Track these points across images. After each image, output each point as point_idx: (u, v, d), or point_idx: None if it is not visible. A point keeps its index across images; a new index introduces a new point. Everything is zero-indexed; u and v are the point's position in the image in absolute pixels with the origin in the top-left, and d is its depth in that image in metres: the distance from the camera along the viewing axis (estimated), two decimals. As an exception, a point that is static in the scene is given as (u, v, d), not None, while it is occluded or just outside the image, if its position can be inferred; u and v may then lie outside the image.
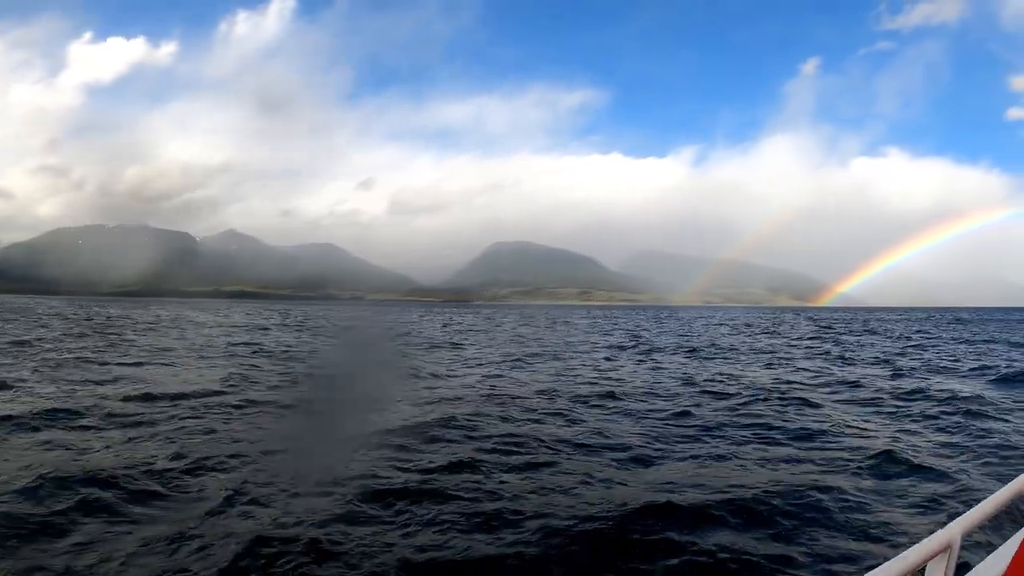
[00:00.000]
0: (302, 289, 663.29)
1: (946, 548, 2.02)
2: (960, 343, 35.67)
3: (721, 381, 17.69)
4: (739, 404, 13.71)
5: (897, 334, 45.87)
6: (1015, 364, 22.66)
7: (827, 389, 16.49)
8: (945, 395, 14.83)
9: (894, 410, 13.30)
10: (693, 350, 29.57)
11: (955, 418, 12.22)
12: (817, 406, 13.65)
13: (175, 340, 30.64)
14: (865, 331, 50.51)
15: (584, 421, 11.73)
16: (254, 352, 25.27)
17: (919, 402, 14.20)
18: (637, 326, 59.07)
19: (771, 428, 11.21)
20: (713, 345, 33.07)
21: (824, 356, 26.80)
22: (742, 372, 20.35)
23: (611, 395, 14.81)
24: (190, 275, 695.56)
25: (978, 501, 2.32)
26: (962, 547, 2.10)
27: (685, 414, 12.46)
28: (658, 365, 22.50)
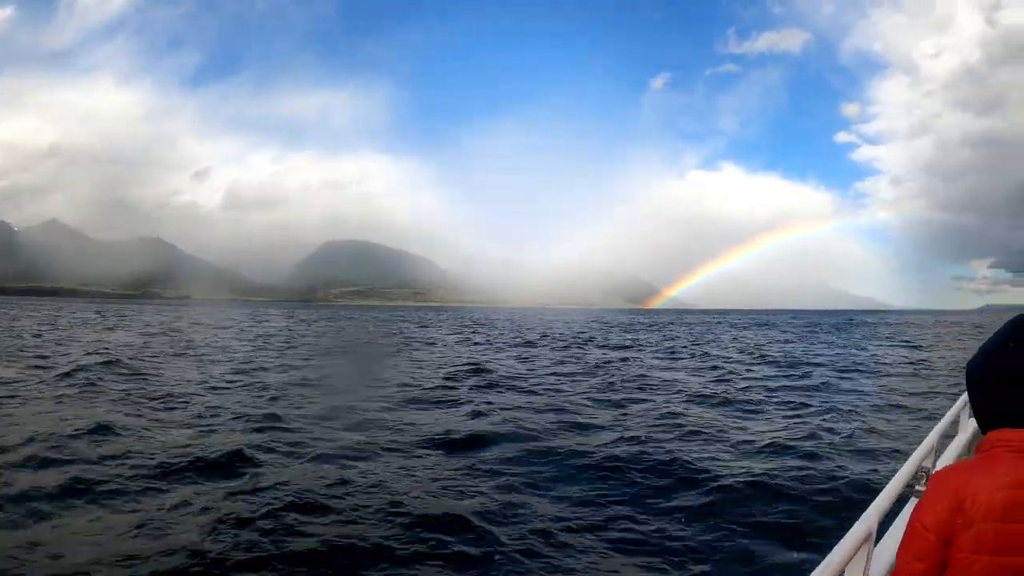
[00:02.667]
0: (127, 288, 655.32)
1: (867, 538, 2.04)
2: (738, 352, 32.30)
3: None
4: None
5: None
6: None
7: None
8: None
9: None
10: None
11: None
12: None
13: None
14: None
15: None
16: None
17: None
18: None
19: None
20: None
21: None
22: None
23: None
24: (5, 270, 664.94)
25: (885, 483, 2.34)
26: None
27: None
28: None
